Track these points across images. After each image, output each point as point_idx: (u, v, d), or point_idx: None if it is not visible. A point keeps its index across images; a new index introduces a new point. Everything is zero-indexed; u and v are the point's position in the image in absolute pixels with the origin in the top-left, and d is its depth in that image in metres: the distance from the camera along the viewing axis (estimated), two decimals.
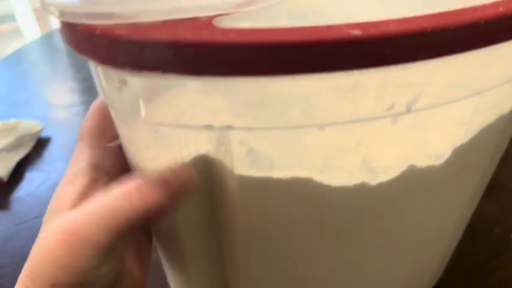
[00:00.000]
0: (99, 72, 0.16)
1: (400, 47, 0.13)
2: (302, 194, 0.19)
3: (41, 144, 0.58)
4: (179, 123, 0.16)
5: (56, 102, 0.72)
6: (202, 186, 0.20)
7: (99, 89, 0.18)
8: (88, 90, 0.76)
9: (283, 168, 0.18)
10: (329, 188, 0.18)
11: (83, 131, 0.20)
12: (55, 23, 1.65)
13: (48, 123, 0.62)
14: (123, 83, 0.15)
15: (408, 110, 0.16)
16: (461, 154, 0.20)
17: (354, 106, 0.15)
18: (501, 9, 0.14)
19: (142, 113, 0.16)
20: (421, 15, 0.13)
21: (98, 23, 0.14)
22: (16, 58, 0.95)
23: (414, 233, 0.24)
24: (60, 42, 1.05)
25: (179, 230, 0.22)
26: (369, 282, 0.26)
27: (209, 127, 0.16)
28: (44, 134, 0.60)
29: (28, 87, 0.81)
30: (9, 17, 1.93)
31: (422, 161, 0.19)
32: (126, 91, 0.16)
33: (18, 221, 0.45)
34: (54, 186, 0.49)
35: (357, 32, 0.12)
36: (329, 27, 0.12)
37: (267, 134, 0.16)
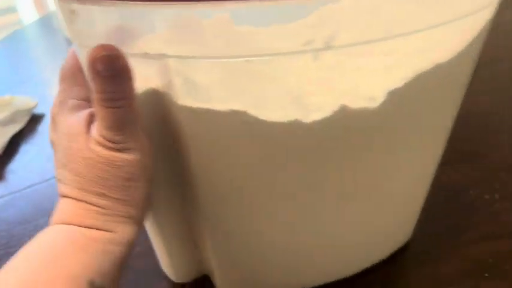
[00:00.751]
0: (57, 6, 0.18)
1: None
2: (241, 128, 0.20)
3: (35, 120, 0.60)
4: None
5: (51, 81, 0.74)
6: (155, 124, 0.22)
7: (61, 25, 0.20)
8: None
9: (220, 100, 0.20)
10: (265, 123, 0.20)
11: (64, 71, 0.24)
12: (53, 7, 1.66)
13: (43, 100, 0.64)
14: (73, 13, 0.17)
15: (328, 47, 0.18)
16: (398, 99, 0.22)
17: (273, 39, 0.17)
18: None
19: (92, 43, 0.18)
20: None
21: None
22: (14, 39, 0.97)
23: (362, 178, 0.25)
24: (57, 24, 1.05)
25: None
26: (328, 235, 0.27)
27: (146, 55, 0.18)
28: (38, 111, 0.62)
29: (24, 66, 0.82)
30: (10, 9, 1.96)
31: (355, 102, 0.21)
32: (76, 21, 0.18)
33: (12, 191, 0.47)
34: (47, 159, 0.51)
35: None
36: None
37: (198, 64, 0.18)
